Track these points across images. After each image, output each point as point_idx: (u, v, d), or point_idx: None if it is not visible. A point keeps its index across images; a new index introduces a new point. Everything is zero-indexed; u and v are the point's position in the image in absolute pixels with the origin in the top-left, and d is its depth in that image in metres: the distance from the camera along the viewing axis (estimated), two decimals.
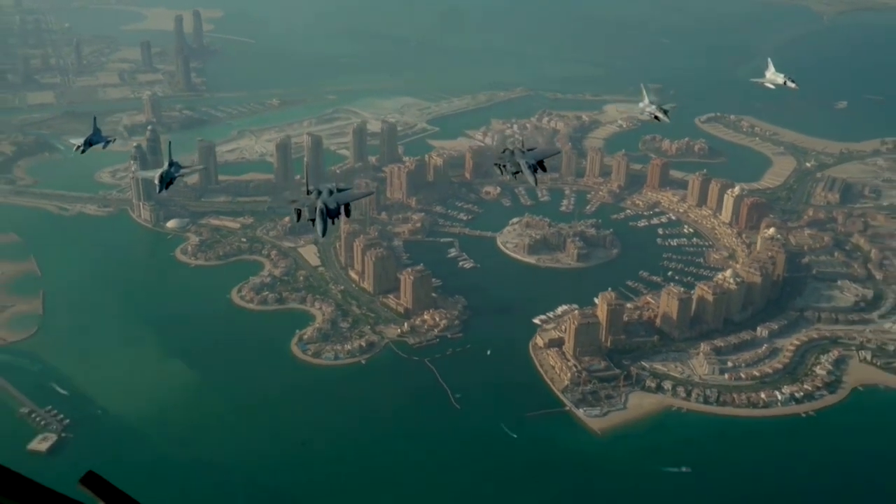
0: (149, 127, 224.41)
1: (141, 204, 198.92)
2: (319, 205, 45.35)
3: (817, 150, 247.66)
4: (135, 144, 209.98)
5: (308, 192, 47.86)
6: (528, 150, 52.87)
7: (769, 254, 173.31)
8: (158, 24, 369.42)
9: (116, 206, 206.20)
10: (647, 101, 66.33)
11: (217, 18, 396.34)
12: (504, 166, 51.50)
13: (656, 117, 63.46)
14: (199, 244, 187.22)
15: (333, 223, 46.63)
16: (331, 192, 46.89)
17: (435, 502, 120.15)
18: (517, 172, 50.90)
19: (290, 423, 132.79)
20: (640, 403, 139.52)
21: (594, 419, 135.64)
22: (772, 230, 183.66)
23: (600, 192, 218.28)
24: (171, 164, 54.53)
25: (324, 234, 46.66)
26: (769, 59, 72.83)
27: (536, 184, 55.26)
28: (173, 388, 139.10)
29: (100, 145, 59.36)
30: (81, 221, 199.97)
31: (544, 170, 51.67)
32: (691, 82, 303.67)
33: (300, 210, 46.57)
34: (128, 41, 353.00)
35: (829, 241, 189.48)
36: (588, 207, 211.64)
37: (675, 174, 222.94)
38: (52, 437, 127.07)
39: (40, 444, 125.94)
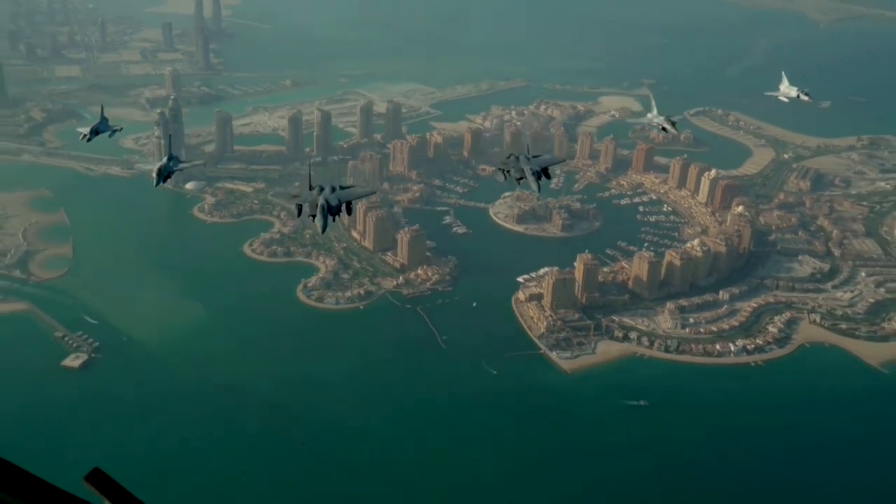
0: (171, 97, 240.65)
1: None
2: (321, 201, 45.50)
3: (796, 144, 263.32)
4: (159, 111, 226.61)
5: (311, 188, 47.92)
6: (534, 156, 52.67)
7: (736, 228, 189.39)
8: (178, 8, 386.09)
9: (139, 168, 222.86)
10: (655, 111, 66.89)
11: (234, 5, 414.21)
12: (508, 171, 51.63)
13: (664, 128, 64.25)
14: (215, 204, 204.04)
15: (334, 220, 46.60)
16: (333, 190, 47.11)
17: (421, 424, 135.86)
18: (521, 178, 50.96)
19: (295, 352, 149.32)
20: (607, 349, 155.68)
21: (565, 361, 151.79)
22: (740, 208, 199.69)
23: (588, 173, 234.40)
24: (171, 157, 55.36)
25: (324, 230, 46.84)
26: (783, 73, 73.33)
27: (539, 191, 52.95)
28: (190, 323, 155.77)
29: (106, 134, 60.36)
30: (107, 181, 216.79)
31: (549, 177, 51.93)
32: (684, 79, 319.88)
33: (301, 205, 46.87)
34: (149, 22, 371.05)
35: (796, 221, 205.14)
36: (576, 186, 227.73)
37: (660, 160, 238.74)
38: (84, 357, 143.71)
39: (73, 361, 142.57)
